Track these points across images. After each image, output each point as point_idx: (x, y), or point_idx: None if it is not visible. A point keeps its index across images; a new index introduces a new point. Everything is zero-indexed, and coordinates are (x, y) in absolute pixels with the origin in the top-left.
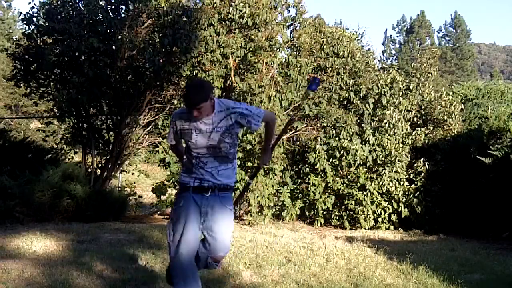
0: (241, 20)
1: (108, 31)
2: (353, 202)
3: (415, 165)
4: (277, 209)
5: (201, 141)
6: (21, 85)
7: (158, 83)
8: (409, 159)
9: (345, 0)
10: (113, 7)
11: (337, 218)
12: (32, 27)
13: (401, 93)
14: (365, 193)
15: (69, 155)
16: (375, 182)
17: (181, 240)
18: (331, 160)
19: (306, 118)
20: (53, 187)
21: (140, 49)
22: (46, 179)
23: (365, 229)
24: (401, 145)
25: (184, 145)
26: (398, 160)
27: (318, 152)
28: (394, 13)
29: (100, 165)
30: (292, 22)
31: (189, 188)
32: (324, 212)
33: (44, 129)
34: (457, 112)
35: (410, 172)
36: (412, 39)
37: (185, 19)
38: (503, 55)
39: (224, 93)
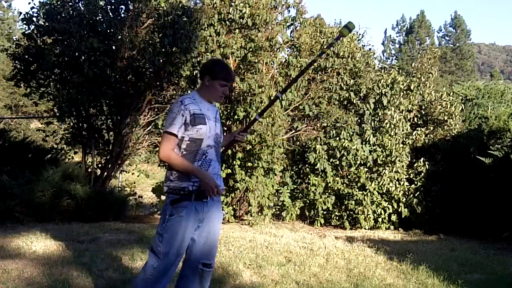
0: (241, 20)
1: (108, 31)
2: (353, 202)
3: (415, 165)
4: (277, 209)
5: (212, 131)
6: (21, 85)
7: (158, 83)
8: (409, 159)
9: (345, 0)
10: (113, 7)
11: (337, 218)
12: (32, 27)
13: (402, 93)
14: (365, 193)
15: (69, 155)
16: (375, 182)
17: (174, 262)
18: (331, 160)
19: (306, 118)
20: (53, 187)
21: (140, 49)
22: (46, 179)
23: (365, 229)
24: (401, 145)
25: (187, 141)
26: (399, 160)
27: (318, 152)
28: (394, 13)
29: (100, 165)
30: (292, 22)
31: (190, 194)
32: (324, 212)
33: (44, 129)
34: (458, 112)
35: (410, 172)
36: (412, 39)
37: (185, 19)
38: (503, 55)
39: None
